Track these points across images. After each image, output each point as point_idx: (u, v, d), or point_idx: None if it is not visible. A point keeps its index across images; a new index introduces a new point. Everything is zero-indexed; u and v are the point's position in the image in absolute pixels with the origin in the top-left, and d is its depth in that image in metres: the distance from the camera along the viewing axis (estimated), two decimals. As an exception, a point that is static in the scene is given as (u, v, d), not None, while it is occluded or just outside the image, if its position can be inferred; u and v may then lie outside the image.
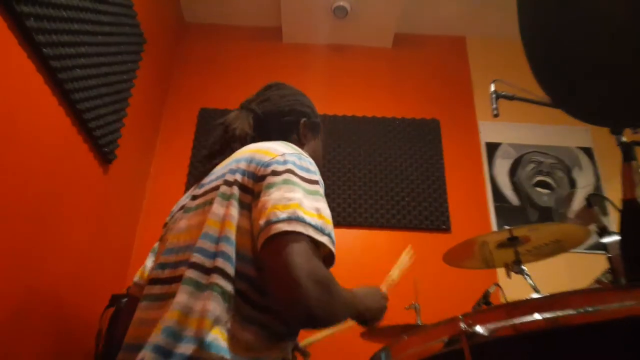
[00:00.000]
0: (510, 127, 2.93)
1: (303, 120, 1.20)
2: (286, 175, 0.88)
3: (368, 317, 1.08)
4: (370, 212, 2.62)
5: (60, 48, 1.60)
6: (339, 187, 2.69)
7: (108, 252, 2.17)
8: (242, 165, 0.93)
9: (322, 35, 3.11)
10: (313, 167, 0.95)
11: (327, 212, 0.88)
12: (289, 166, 0.90)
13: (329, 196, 2.66)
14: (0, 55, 1.36)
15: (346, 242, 2.56)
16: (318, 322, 0.81)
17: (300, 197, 0.85)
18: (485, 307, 1.61)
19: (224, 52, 3.14)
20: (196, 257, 0.86)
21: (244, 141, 1.11)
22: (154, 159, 2.72)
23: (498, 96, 1.57)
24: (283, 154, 0.93)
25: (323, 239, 0.83)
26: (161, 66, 2.83)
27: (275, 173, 0.89)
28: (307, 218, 0.82)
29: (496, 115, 1.56)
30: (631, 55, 0.76)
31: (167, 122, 2.87)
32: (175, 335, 0.79)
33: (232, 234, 0.86)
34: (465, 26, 3.22)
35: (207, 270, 0.84)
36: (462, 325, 0.64)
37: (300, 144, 1.17)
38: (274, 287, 0.81)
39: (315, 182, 0.92)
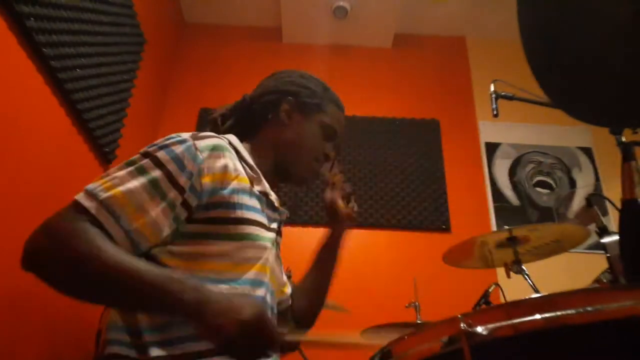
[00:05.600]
0: (510, 127, 2.93)
1: (288, 98, 1.11)
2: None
3: (201, 322, 0.74)
4: (370, 212, 2.62)
5: (60, 48, 1.61)
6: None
7: (108, 252, 2.17)
8: None
9: (322, 35, 3.11)
10: (166, 142, 0.91)
11: (126, 183, 0.82)
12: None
13: (329, 196, 2.66)
14: (0, 56, 1.36)
15: (346, 242, 2.56)
16: (39, 267, 0.78)
17: (112, 170, 0.87)
18: (485, 306, 1.61)
19: (224, 52, 3.14)
20: None
21: (215, 126, 1.15)
22: (154, 159, 2.72)
23: (498, 96, 1.57)
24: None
25: (88, 204, 0.80)
26: (161, 66, 2.83)
27: None
28: (89, 185, 0.83)
29: (496, 116, 1.56)
30: (631, 56, 0.76)
31: (167, 122, 2.87)
32: (122, 332, 0.85)
33: None
34: (465, 26, 3.23)
35: None
36: (462, 324, 0.64)
37: (279, 123, 1.11)
38: None
39: (145, 155, 0.89)
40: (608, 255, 1.15)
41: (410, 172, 2.76)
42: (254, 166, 1.02)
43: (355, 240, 2.58)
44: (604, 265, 1.23)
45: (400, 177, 2.74)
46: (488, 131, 2.94)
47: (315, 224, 2.58)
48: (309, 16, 2.98)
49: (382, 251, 2.54)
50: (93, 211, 0.78)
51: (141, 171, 0.85)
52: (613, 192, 2.65)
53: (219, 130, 1.13)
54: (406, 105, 3.00)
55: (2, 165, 1.39)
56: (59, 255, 0.76)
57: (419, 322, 1.79)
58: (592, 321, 0.59)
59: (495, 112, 1.56)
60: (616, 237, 1.14)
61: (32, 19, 1.44)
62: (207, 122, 1.18)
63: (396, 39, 3.19)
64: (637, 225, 0.83)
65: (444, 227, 2.60)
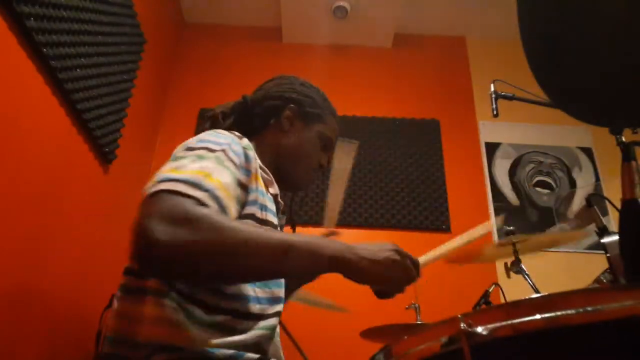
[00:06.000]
0: (510, 127, 2.93)
1: (290, 106, 1.14)
2: (179, 153, 0.86)
3: (364, 262, 0.79)
4: (370, 212, 2.62)
5: (60, 48, 1.61)
6: (339, 187, 2.69)
7: (108, 252, 2.17)
8: None
9: (322, 35, 3.11)
10: (221, 139, 0.89)
11: (218, 173, 0.80)
12: (188, 145, 0.88)
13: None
14: (0, 56, 1.36)
15: (346, 242, 2.56)
16: (180, 264, 0.69)
17: (184, 162, 0.80)
18: (485, 306, 1.61)
19: (224, 52, 3.15)
20: (129, 263, 0.89)
21: (215, 122, 1.14)
22: (154, 159, 2.72)
23: (498, 96, 1.57)
24: (192, 140, 0.90)
25: (198, 194, 0.73)
26: (161, 66, 2.83)
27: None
28: (176, 175, 0.75)
29: (496, 115, 1.56)
30: (631, 56, 0.76)
31: (167, 122, 2.87)
32: (125, 342, 0.82)
33: None
34: (465, 26, 3.23)
35: (143, 275, 0.85)
36: (462, 325, 0.64)
37: (280, 129, 1.13)
38: (131, 248, 0.70)
39: (212, 150, 0.85)
40: (608, 255, 1.15)
41: (410, 172, 2.76)
42: (266, 169, 1.03)
43: (356, 240, 2.58)
44: (604, 265, 1.23)
45: (400, 177, 2.74)
46: (488, 131, 2.94)
47: (315, 224, 2.58)
48: (309, 16, 2.98)
49: (382, 251, 2.54)
50: (205, 200, 0.73)
51: (221, 163, 0.83)
52: (613, 192, 2.65)
53: (220, 128, 1.13)
54: (406, 105, 3.00)
55: (2, 165, 1.39)
56: (207, 239, 0.69)
57: (419, 323, 1.79)
58: (592, 321, 0.59)
59: (495, 112, 1.56)
60: (616, 237, 1.14)
61: (32, 19, 1.44)
62: (207, 118, 1.17)
63: (396, 39, 3.19)
64: (637, 225, 0.83)
65: (444, 227, 2.60)
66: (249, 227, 0.75)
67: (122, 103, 2.17)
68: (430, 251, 1.01)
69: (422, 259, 0.95)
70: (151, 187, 0.74)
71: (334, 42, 3.18)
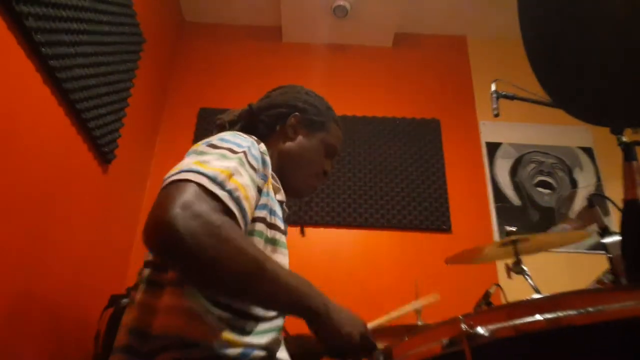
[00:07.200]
0: (510, 126, 2.92)
1: (295, 114, 1.17)
2: (200, 148, 0.87)
3: (329, 327, 0.84)
4: (370, 212, 2.62)
5: (59, 48, 1.60)
6: (339, 187, 2.69)
7: (107, 252, 2.17)
8: None
9: (322, 34, 3.11)
10: (242, 141, 0.91)
11: (240, 176, 0.82)
12: (210, 142, 0.89)
13: (329, 196, 2.65)
14: (-1, 55, 1.36)
15: (346, 242, 2.56)
16: (191, 260, 0.70)
17: (208, 158, 0.82)
18: (486, 307, 1.61)
19: (223, 51, 3.14)
20: (151, 256, 0.91)
21: (222, 129, 1.16)
22: (154, 159, 2.72)
23: (499, 96, 1.57)
24: (213, 138, 0.92)
25: (220, 193, 0.75)
26: (161, 66, 2.82)
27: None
28: (202, 169, 0.77)
29: (497, 115, 1.55)
30: (631, 55, 0.76)
31: (166, 122, 2.86)
32: (141, 334, 0.82)
33: None
34: (466, 26, 3.22)
35: (165, 268, 0.86)
36: (463, 326, 0.64)
37: (284, 136, 1.16)
38: (145, 225, 0.72)
39: (235, 151, 0.87)
40: (609, 255, 1.15)
41: (410, 172, 2.76)
42: (275, 175, 1.05)
43: (356, 240, 2.58)
44: (606, 265, 1.23)
45: (400, 177, 2.74)
46: (489, 131, 2.94)
47: (316, 224, 2.57)
48: (309, 15, 2.98)
49: (382, 252, 2.53)
50: (226, 200, 0.76)
51: (243, 165, 0.86)
52: (614, 192, 2.64)
53: (224, 130, 1.15)
54: (406, 105, 2.99)
55: (1, 165, 1.38)
56: (213, 245, 0.71)
57: (419, 323, 1.79)
58: (593, 322, 0.59)
59: (496, 112, 1.56)
60: (618, 238, 1.13)
61: (31, 18, 1.43)
62: (215, 126, 1.21)
63: (396, 38, 3.19)
64: (638, 225, 0.83)
65: (444, 227, 2.60)
66: (259, 257, 0.77)
67: (122, 103, 2.16)
68: (378, 319, 1.12)
69: (371, 325, 1.04)
70: (175, 174, 0.77)
71: (333, 42, 3.18)
